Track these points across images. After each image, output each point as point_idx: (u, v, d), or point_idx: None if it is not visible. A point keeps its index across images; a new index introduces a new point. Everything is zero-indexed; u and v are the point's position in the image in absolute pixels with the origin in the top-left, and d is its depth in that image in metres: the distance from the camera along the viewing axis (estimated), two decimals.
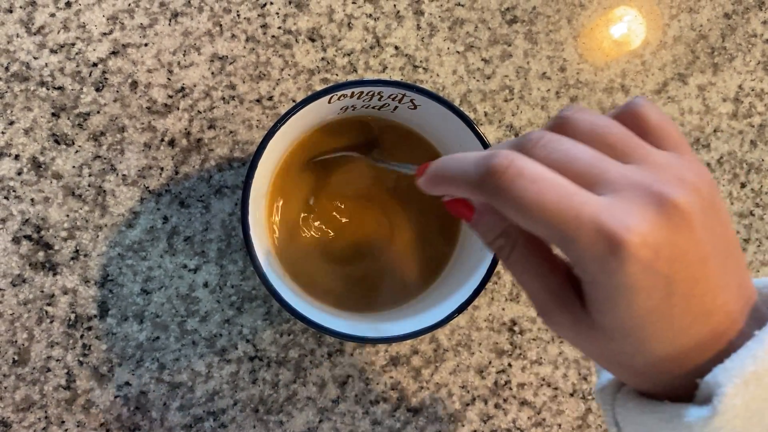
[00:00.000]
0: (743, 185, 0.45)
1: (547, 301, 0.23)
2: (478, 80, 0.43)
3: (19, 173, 0.38)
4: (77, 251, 0.39)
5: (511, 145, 0.22)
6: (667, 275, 0.20)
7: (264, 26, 0.41)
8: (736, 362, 0.20)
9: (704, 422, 0.20)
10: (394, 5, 0.42)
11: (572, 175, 0.21)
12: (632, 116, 0.23)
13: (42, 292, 0.38)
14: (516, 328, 0.42)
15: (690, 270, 0.20)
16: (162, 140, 0.40)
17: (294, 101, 0.41)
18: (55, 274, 0.38)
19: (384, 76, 0.42)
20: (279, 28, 0.41)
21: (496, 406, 0.42)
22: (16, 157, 0.39)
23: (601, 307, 0.21)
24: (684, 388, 0.22)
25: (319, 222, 0.38)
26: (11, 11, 0.39)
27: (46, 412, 0.38)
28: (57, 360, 0.38)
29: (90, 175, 0.39)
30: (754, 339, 0.21)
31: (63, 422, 0.38)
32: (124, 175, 0.39)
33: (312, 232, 0.38)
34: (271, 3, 0.41)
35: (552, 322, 0.23)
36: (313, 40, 0.41)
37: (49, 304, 0.38)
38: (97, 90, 0.39)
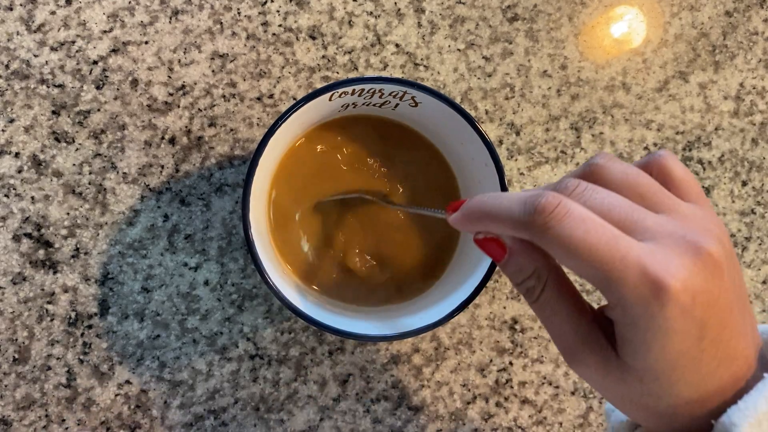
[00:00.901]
0: (744, 183, 0.45)
1: (577, 342, 0.23)
2: (479, 78, 0.43)
3: (20, 171, 0.38)
4: (77, 249, 0.39)
5: (548, 189, 0.23)
6: (701, 320, 0.21)
7: (264, 24, 0.41)
8: (750, 402, 0.21)
9: None
10: (395, 3, 0.42)
11: (612, 222, 0.22)
12: (658, 168, 0.24)
13: (42, 290, 0.38)
14: (517, 327, 0.42)
15: (720, 315, 0.21)
16: (162, 138, 0.40)
17: (295, 99, 0.41)
18: (55, 272, 0.38)
19: (385, 74, 0.42)
20: (279, 25, 0.41)
21: (497, 404, 0.42)
22: (17, 154, 0.38)
23: (636, 348, 0.22)
24: (698, 429, 0.23)
25: (320, 220, 0.38)
26: (11, 9, 0.39)
27: (46, 410, 0.38)
28: (57, 358, 0.38)
29: (90, 173, 0.39)
30: (764, 381, 0.22)
31: (63, 420, 0.38)
32: (124, 173, 0.39)
33: (313, 230, 0.38)
34: (272, 1, 0.41)
35: (580, 363, 0.23)
36: (313, 38, 0.41)
37: (49, 303, 0.38)
38: (98, 88, 0.39)
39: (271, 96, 0.41)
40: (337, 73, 0.41)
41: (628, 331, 0.22)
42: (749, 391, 0.22)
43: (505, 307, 0.42)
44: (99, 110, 0.39)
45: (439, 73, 0.42)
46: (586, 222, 0.21)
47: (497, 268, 0.37)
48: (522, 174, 0.43)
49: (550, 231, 0.21)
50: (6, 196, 0.38)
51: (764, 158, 0.45)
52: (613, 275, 0.21)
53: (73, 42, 0.39)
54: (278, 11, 0.41)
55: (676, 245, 0.21)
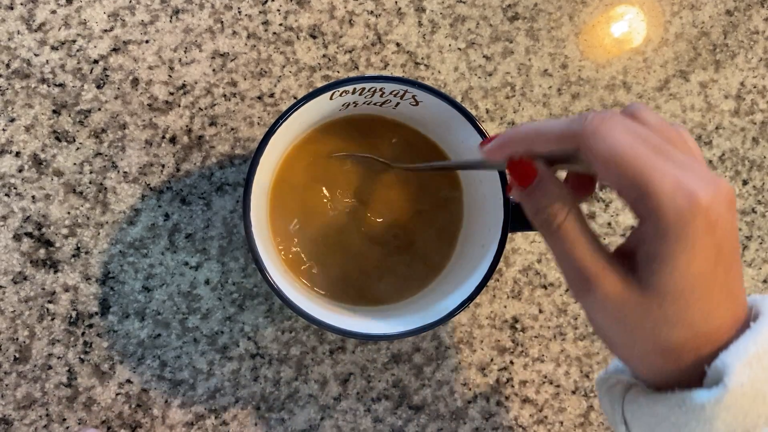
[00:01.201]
0: (745, 182, 0.45)
1: (599, 268, 0.24)
2: (479, 77, 0.43)
3: (20, 170, 0.38)
4: (78, 248, 0.39)
5: None
6: (719, 243, 0.23)
7: (265, 23, 0.41)
8: (740, 346, 0.23)
9: (716, 401, 0.22)
10: (396, 2, 0.42)
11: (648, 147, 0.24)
12: (631, 116, 0.26)
13: (43, 289, 0.38)
14: (518, 326, 0.42)
15: (732, 246, 0.23)
16: (163, 137, 0.40)
17: (295, 98, 0.41)
18: (56, 272, 0.38)
19: (386, 73, 0.42)
20: (280, 24, 0.41)
21: (498, 403, 0.42)
22: (17, 154, 0.38)
23: (663, 263, 0.23)
24: (690, 379, 0.24)
25: (321, 219, 0.38)
26: (12, 8, 0.39)
27: (47, 409, 0.38)
28: (58, 357, 0.38)
29: (91, 173, 0.39)
30: (752, 328, 0.24)
31: (64, 420, 0.38)
32: (125, 172, 0.39)
33: (314, 229, 0.38)
34: (273, 0, 0.41)
35: (599, 290, 0.24)
36: (314, 37, 0.41)
37: (50, 302, 0.38)
38: (98, 87, 0.39)
39: (271, 95, 0.41)
40: (338, 72, 0.41)
41: (657, 245, 0.23)
42: (740, 336, 0.24)
43: (505, 306, 0.42)
44: (100, 109, 0.39)
45: (439, 72, 0.42)
46: (631, 134, 0.23)
47: (498, 267, 0.37)
48: None
49: (598, 134, 0.23)
50: (7, 195, 0.38)
51: (765, 157, 0.45)
52: (651, 183, 0.22)
53: (74, 41, 0.39)
54: (279, 10, 0.41)
55: (702, 176, 0.23)
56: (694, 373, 0.24)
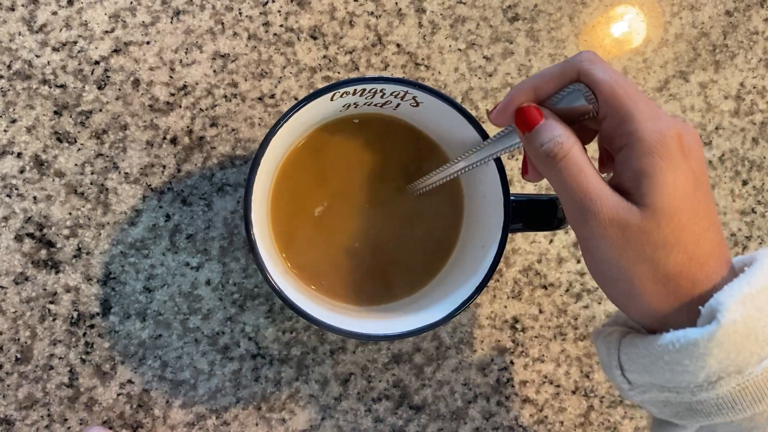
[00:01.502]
0: (745, 183, 0.45)
1: (602, 197, 0.26)
2: (479, 78, 0.43)
3: (22, 171, 0.39)
4: (79, 249, 0.39)
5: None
6: (694, 171, 0.25)
7: (266, 24, 0.41)
8: (734, 286, 0.24)
9: (709, 337, 0.23)
10: (396, 3, 0.42)
11: None
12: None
13: (44, 290, 0.38)
14: (518, 326, 0.42)
15: (706, 180, 0.26)
16: (164, 138, 0.40)
17: (296, 99, 0.41)
18: (57, 272, 0.38)
19: (386, 74, 0.42)
20: (281, 26, 0.41)
21: (498, 403, 0.42)
22: (19, 155, 0.39)
23: (651, 178, 0.25)
24: (686, 319, 0.25)
25: (321, 219, 0.38)
26: (13, 9, 0.39)
27: (48, 409, 0.38)
28: (60, 358, 0.38)
29: (92, 173, 0.39)
30: (746, 272, 0.25)
31: (66, 420, 0.38)
32: (126, 173, 0.39)
33: (314, 230, 0.38)
34: (273, 1, 0.41)
35: (602, 218, 0.26)
36: (314, 38, 0.41)
37: (51, 302, 0.38)
38: (99, 88, 0.39)
39: (272, 96, 0.41)
40: (339, 73, 0.42)
41: (642, 162, 0.25)
42: (733, 279, 0.25)
43: (506, 307, 0.42)
44: (101, 110, 0.39)
45: (440, 73, 0.42)
46: (618, 72, 0.27)
47: (498, 267, 0.37)
48: None
49: (597, 63, 0.26)
50: (8, 196, 0.38)
51: (765, 157, 0.45)
52: (636, 109, 0.25)
53: (75, 42, 0.39)
54: (279, 11, 0.41)
55: (670, 117, 0.26)
56: (687, 311, 0.25)
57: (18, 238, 0.38)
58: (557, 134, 0.27)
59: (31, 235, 0.38)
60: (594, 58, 0.27)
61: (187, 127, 0.40)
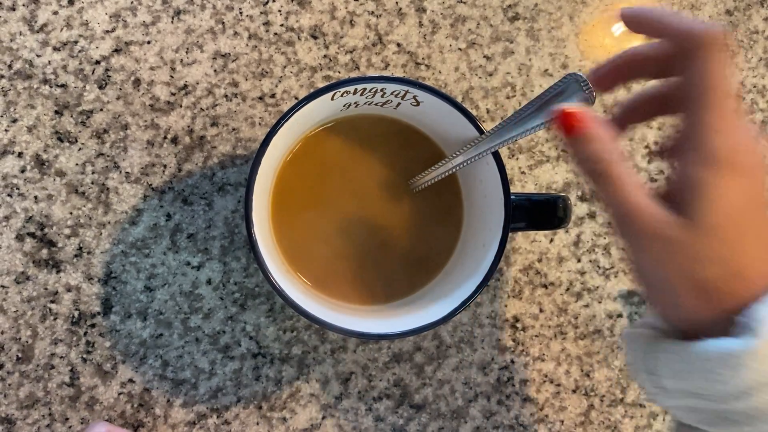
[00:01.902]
0: None
1: (651, 207, 0.25)
2: (480, 77, 0.43)
3: (23, 171, 0.39)
4: (80, 249, 0.39)
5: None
6: (750, 188, 0.25)
7: (266, 24, 0.41)
8: None
9: (747, 349, 0.24)
10: (396, 2, 0.42)
11: None
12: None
13: (45, 289, 0.38)
14: (518, 325, 0.42)
15: (760, 197, 0.26)
16: (165, 138, 0.40)
17: (296, 98, 0.41)
18: (58, 272, 0.39)
19: (386, 74, 0.42)
20: (281, 25, 0.41)
21: (499, 402, 0.42)
22: (20, 154, 0.39)
23: (707, 199, 0.25)
24: (721, 328, 0.25)
25: (322, 218, 0.38)
26: (14, 9, 0.39)
27: (50, 409, 0.38)
28: (61, 357, 0.38)
29: (93, 173, 0.39)
30: None
31: (67, 419, 0.38)
32: (127, 172, 0.39)
33: (315, 229, 0.38)
34: (274, 0, 0.41)
35: (650, 225, 0.25)
36: (315, 38, 0.41)
37: (52, 302, 0.38)
38: (100, 88, 0.39)
39: (273, 95, 0.41)
40: (339, 72, 0.42)
41: (702, 176, 0.25)
42: None
43: (506, 306, 0.42)
44: (102, 110, 0.39)
45: (440, 72, 0.43)
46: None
47: (499, 266, 0.37)
48: (523, 173, 0.43)
49: (719, 46, 0.25)
50: (9, 195, 0.38)
51: (765, 157, 0.45)
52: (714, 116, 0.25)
53: (76, 42, 0.39)
54: (280, 11, 0.41)
55: (748, 140, 0.26)
56: (725, 321, 0.25)
57: (19, 238, 0.38)
58: (599, 148, 0.26)
59: (32, 235, 0.38)
60: (720, 40, 0.25)
61: (188, 126, 0.40)
